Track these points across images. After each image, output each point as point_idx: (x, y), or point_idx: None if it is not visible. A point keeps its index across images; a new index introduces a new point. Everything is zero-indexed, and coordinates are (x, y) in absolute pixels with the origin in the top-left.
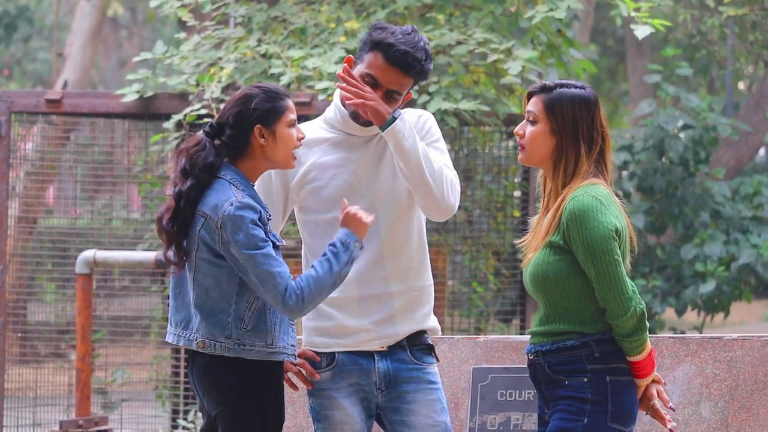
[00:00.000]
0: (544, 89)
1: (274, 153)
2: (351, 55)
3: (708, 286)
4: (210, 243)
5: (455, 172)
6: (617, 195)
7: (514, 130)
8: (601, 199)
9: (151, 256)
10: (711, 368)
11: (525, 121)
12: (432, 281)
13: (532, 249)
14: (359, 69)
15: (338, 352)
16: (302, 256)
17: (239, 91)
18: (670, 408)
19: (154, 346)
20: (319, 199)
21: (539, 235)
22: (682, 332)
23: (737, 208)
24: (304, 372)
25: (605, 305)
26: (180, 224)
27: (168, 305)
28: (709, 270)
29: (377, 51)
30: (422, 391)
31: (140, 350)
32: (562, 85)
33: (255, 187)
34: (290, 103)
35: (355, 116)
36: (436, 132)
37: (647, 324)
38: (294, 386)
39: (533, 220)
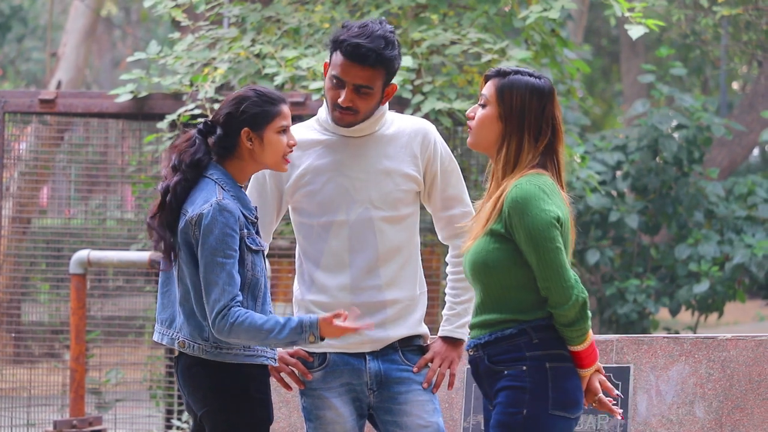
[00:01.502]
0: (499, 74)
1: (262, 157)
2: (327, 61)
3: (702, 286)
4: (189, 242)
5: (469, 204)
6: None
7: (466, 112)
8: (544, 188)
9: (145, 256)
10: (705, 368)
11: (477, 104)
12: (425, 289)
13: (473, 237)
14: (329, 72)
15: (330, 353)
16: (296, 257)
17: (237, 91)
18: (617, 396)
19: (148, 346)
20: (313, 203)
21: (479, 222)
22: (676, 332)
23: (731, 207)
24: (296, 372)
25: (547, 293)
26: (166, 220)
27: None
28: (703, 270)
29: (336, 50)
30: (414, 392)
31: (134, 350)
32: (517, 72)
33: (249, 187)
34: (284, 108)
35: (336, 121)
36: (447, 154)
37: (589, 314)
38: (287, 386)
39: (478, 205)
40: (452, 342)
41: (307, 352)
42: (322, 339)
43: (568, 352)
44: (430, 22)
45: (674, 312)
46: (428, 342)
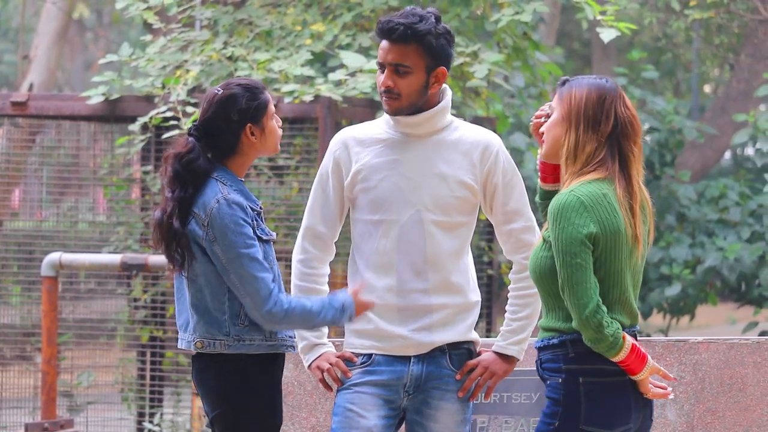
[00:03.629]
0: (563, 83)
1: (264, 146)
2: None
3: (673, 289)
4: (199, 241)
5: (531, 218)
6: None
7: (532, 126)
8: (584, 199)
9: (116, 258)
10: (676, 371)
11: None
12: (479, 299)
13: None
14: None
15: (376, 354)
16: (350, 255)
17: (221, 91)
18: (673, 379)
19: (120, 349)
20: (367, 200)
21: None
22: (648, 335)
23: (703, 210)
24: (338, 371)
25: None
26: (178, 226)
27: (134, 308)
28: (675, 273)
29: (378, 37)
30: (447, 400)
31: (106, 353)
32: (579, 76)
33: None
34: (268, 94)
35: (385, 110)
36: (510, 167)
37: (609, 332)
38: (329, 387)
39: None
40: (503, 357)
41: (353, 353)
42: (350, 320)
43: (606, 366)
44: None
45: (646, 315)
46: (478, 348)
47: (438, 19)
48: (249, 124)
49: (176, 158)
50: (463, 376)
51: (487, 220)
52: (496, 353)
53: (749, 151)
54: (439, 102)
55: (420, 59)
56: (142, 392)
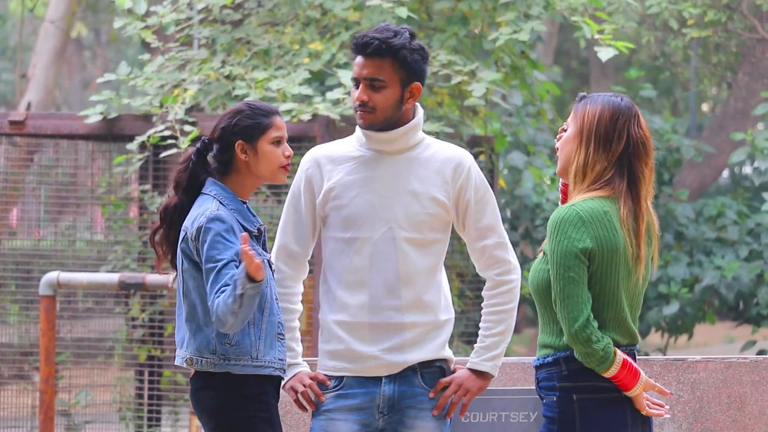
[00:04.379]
0: (580, 99)
1: (257, 169)
2: None
3: (672, 308)
4: (190, 256)
5: (504, 235)
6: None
7: (555, 145)
8: (583, 214)
9: (114, 277)
10: (675, 390)
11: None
12: (452, 316)
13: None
14: None
15: (346, 376)
16: (321, 273)
17: (231, 106)
18: (669, 394)
19: (117, 368)
20: (339, 217)
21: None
22: (646, 354)
23: (701, 229)
24: (311, 394)
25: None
26: (166, 239)
27: (131, 327)
28: (673, 291)
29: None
30: (422, 418)
31: (104, 372)
32: (599, 94)
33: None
34: (276, 120)
35: (359, 124)
36: (482, 184)
37: (597, 348)
38: (303, 408)
39: None
40: (477, 374)
41: (325, 375)
42: (256, 281)
43: (600, 382)
44: None
45: (644, 334)
46: (452, 366)
47: (412, 36)
48: (240, 141)
49: (176, 171)
50: (436, 394)
51: None
52: (470, 370)
53: (747, 169)
54: (411, 119)
55: (395, 73)
56: (140, 411)
